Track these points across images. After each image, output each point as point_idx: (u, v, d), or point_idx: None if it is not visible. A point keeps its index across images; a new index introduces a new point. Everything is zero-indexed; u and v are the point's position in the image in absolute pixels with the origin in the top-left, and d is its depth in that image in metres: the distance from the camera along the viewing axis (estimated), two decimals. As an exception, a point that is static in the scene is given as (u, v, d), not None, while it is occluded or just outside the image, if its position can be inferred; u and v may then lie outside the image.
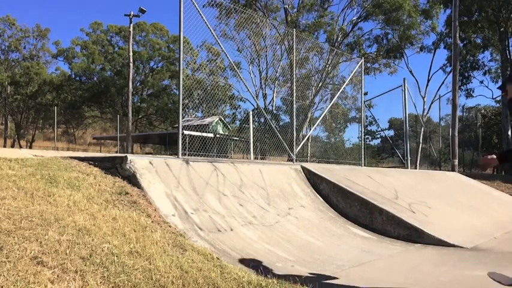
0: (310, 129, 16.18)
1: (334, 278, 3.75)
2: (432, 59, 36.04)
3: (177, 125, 7.21)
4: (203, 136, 10.37)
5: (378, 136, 27.71)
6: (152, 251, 3.11)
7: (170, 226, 3.93)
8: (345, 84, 13.61)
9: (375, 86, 63.92)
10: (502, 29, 23.54)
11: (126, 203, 4.02)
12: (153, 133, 37.51)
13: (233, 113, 24.37)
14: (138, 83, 42.16)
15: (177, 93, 7.54)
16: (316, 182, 6.87)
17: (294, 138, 9.68)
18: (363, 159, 11.95)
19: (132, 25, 28.01)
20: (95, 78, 41.97)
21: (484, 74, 28.07)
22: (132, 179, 4.51)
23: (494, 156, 2.90)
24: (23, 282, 2.27)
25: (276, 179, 6.34)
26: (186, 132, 8.92)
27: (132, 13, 27.14)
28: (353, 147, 16.05)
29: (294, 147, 9.58)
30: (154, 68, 42.73)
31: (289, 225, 5.27)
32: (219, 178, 5.45)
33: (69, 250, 2.71)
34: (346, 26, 24.49)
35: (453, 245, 5.44)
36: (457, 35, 17.99)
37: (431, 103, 28.12)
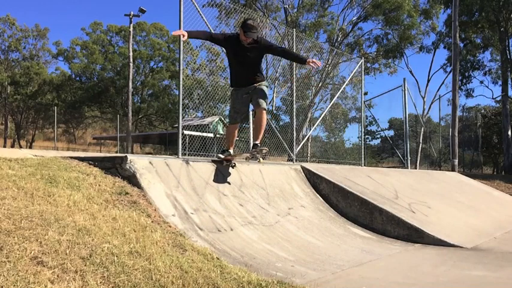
0: (310, 129, 16.18)
1: (334, 277, 3.75)
2: (432, 59, 36.09)
3: (177, 125, 7.21)
4: (203, 136, 10.37)
5: (378, 136, 27.71)
6: (152, 251, 3.11)
7: (170, 226, 3.93)
8: (345, 84, 13.63)
9: (375, 86, 64.12)
10: (502, 29, 23.52)
11: (126, 203, 4.02)
12: (153, 133, 37.51)
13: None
14: (138, 83, 42.16)
15: (177, 93, 7.55)
16: (316, 182, 6.87)
17: (294, 138, 9.69)
18: (363, 159, 11.96)
19: (132, 25, 28.02)
20: (95, 78, 41.97)
21: (484, 74, 28.07)
22: (132, 179, 4.51)
23: None
24: (23, 282, 2.27)
25: (276, 179, 6.34)
26: (186, 132, 8.92)
27: (132, 13, 27.16)
28: (353, 147, 16.05)
29: (294, 147, 9.59)
30: (154, 68, 42.73)
31: (289, 225, 5.27)
32: (219, 178, 5.45)
33: (69, 250, 2.71)
34: (346, 26, 24.49)
35: (453, 245, 5.44)
36: (457, 35, 17.99)
37: (431, 103, 28.14)
